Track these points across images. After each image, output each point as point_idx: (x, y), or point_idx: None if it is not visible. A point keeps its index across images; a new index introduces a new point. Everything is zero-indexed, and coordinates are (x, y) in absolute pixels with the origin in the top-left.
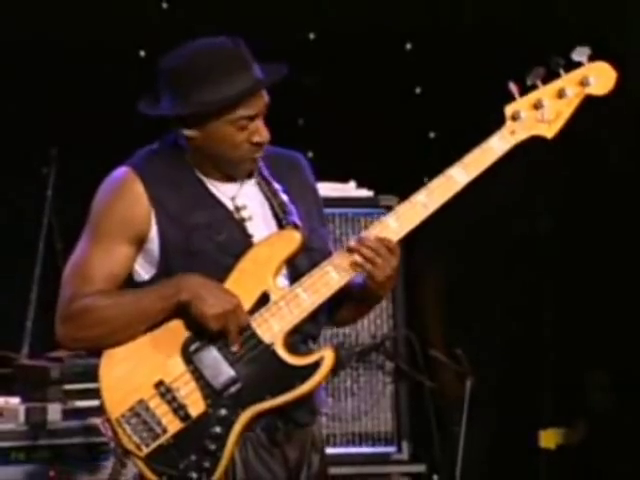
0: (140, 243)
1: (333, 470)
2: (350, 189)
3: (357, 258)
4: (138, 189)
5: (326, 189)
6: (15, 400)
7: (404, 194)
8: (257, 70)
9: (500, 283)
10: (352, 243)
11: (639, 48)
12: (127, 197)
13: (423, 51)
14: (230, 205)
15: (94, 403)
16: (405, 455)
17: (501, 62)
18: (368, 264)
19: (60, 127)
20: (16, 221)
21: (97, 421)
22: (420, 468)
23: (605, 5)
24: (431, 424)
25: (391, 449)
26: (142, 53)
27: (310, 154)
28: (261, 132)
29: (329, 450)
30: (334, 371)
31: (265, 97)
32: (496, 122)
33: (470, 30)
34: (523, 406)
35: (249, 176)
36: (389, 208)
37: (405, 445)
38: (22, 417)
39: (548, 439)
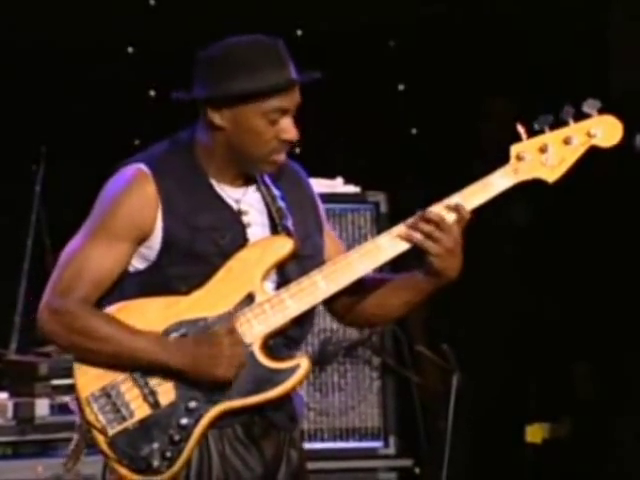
0: (141, 242)
1: (320, 465)
2: (337, 185)
3: (415, 235)
4: (149, 189)
5: (313, 185)
6: (3, 395)
7: (391, 190)
8: (293, 69)
9: (483, 278)
10: (411, 219)
11: (622, 43)
12: (137, 196)
13: (406, 48)
14: (235, 208)
15: None
16: (392, 450)
17: (483, 59)
18: (427, 240)
19: (49, 124)
20: (4, 217)
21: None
22: (407, 463)
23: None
24: (417, 419)
25: (378, 444)
26: (130, 50)
27: (297, 151)
28: (290, 130)
29: (316, 445)
30: (321, 367)
31: (297, 96)
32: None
33: (453, 27)
34: (509, 401)
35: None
36: (376, 204)
37: (392, 440)
38: (10, 412)
39: (534, 434)
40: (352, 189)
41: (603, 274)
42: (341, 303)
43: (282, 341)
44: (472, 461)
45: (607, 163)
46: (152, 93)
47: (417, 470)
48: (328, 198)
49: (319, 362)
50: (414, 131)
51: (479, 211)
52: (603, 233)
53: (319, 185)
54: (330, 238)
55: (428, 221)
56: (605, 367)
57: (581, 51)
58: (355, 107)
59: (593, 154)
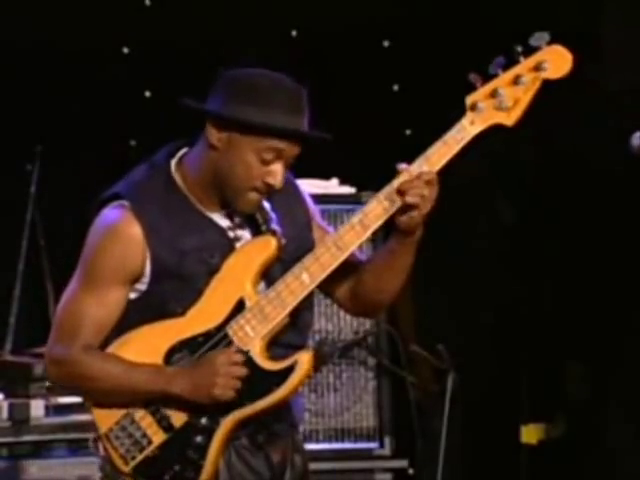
0: (134, 281)
1: (316, 466)
2: (332, 186)
3: (408, 199)
4: (135, 231)
5: (309, 186)
6: None
7: None
8: (305, 121)
9: (475, 278)
10: (397, 183)
11: (615, 42)
12: (124, 243)
13: (401, 48)
14: (223, 224)
15: (77, 399)
16: (387, 450)
17: (478, 60)
18: (417, 198)
19: (44, 124)
20: None
21: (85, 429)
22: (402, 463)
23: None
24: (413, 419)
25: (373, 445)
26: (125, 50)
27: None
28: (277, 176)
29: (312, 446)
30: (316, 367)
31: (297, 148)
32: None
33: (448, 27)
34: (504, 401)
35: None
36: None
37: (387, 441)
38: (5, 413)
39: (529, 434)
40: (347, 190)
41: (596, 273)
42: (343, 292)
43: (283, 351)
44: (467, 462)
45: (602, 161)
46: (147, 93)
47: (412, 471)
48: (323, 199)
49: (314, 363)
50: (408, 132)
51: (467, 210)
52: (595, 231)
53: (314, 186)
54: (321, 235)
55: (415, 184)
56: (599, 367)
57: (577, 51)
58: (350, 108)
59: (587, 152)
